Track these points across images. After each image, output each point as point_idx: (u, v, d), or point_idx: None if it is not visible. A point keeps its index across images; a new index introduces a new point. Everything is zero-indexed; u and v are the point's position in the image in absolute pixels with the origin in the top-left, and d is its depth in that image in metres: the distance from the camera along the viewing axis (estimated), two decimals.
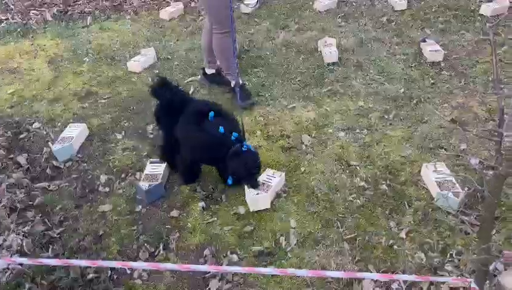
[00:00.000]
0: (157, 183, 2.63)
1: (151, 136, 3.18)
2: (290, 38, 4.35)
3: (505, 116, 1.29)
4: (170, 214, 2.54)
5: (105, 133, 3.25)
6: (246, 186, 2.54)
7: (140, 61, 4.02)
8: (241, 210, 2.51)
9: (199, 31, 4.66)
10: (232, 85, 3.46)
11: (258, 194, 2.49)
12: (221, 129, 2.44)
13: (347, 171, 2.72)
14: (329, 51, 3.89)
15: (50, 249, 2.36)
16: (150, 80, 3.87)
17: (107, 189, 2.75)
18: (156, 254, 2.32)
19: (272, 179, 2.61)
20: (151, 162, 2.82)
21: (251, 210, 2.50)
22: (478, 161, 2.63)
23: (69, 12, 5.33)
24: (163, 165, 2.78)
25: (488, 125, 2.92)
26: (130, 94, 3.69)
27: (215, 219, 2.49)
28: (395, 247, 2.22)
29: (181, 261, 2.26)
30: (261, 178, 2.60)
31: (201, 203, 2.58)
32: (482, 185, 1.41)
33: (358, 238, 2.29)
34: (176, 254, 2.31)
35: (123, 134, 3.22)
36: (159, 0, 5.49)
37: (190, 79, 3.83)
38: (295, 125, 3.16)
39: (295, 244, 2.29)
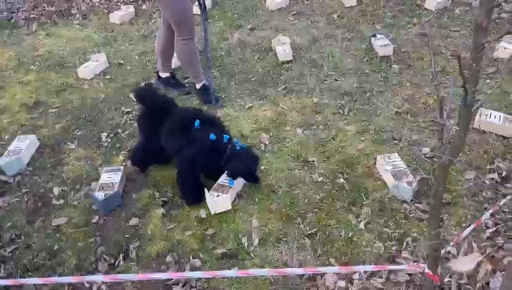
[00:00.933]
0: (114, 192, 2.56)
1: (106, 144, 3.09)
2: (244, 38, 4.35)
3: (444, 106, 1.34)
4: (129, 223, 2.48)
5: (56, 143, 3.13)
6: (206, 190, 2.52)
7: (91, 67, 3.90)
8: (202, 214, 2.49)
9: (152, 34, 4.58)
10: (198, 87, 3.46)
11: (218, 196, 2.47)
12: (212, 136, 2.40)
13: (306, 168, 2.75)
14: (283, 49, 3.92)
15: (2, 269, 2.24)
16: (102, 85, 3.76)
17: (61, 201, 2.64)
18: (116, 264, 2.26)
19: (232, 180, 2.59)
20: (106, 171, 2.74)
21: (212, 213, 2.48)
22: (429, 150, 2.73)
23: (13, 20, 5.08)
24: (120, 173, 2.70)
25: (435, 115, 3.04)
26: (82, 102, 3.57)
27: (176, 224, 2.45)
28: (355, 239, 2.26)
29: (143, 270, 2.21)
30: (221, 179, 2.59)
31: (161, 210, 2.53)
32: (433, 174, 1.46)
33: (319, 233, 2.32)
34: (137, 263, 2.26)
35: (76, 143, 3.11)
36: (109, 3, 5.34)
37: (144, 84, 3.74)
38: (253, 125, 3.17)
39: (258, 244, 2.29)
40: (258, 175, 2.54)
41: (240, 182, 2.60)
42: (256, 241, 2.30)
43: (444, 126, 1.35)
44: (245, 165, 2.43)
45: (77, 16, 5.10)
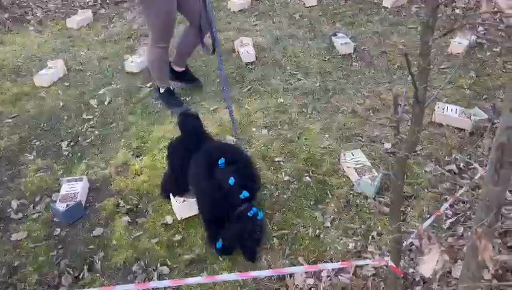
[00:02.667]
0: (76, 202, 2.48)
1: (66, 153, 2.99)
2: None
3: (399, 102, 1.37)
4: (93, 233, 2.41)
5: (14, 155, 3.00)
6: (171, 195, 2.49)
7: (48, 75, 3.77)
8: (169, 220, 2.45)
9: (111, 38, 4.48)
10: (162, 91, 3.39)
11: (184, 201, 2.44)
12: (231, 181, 2.10)
13: (272, 168, 2.76)
14: (246, 50, 3.92)
15: None
16: (61, 93, 3.65)
17: (20, 215, 2.54)
18: (80, 277, 2.19)
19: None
20: (67, 181, 2.65)
21: (179, 218, 2.44)
22: (390, 146, 2.80)
23: None
24: (82, 183, 2.63)
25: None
26: (40, 111, 3.44)
27: (142, 232, 2.40)
28: (322, 236, 2.29)
29: (108, 282, 2.15)
30: None
31: (126, 218, 2.48)
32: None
33: (286, 233, 2.33)
34: (102, 274, 2.20)
35: (34, 154, 3.00)
36: (66, 8, 5.18)
37: (105, 89, 3.66)
38: (218, 127, 3.15)
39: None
40: (255, 252, 2.20)
41: None
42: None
43: (399, 122, 1.39)
44: (242, 234, 2.10)
45: (32, 21, 4.92)
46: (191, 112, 2.48)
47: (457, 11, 4.42)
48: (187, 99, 3.48)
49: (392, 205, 1.60)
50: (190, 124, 2.44)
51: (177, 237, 2.35)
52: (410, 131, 1.37)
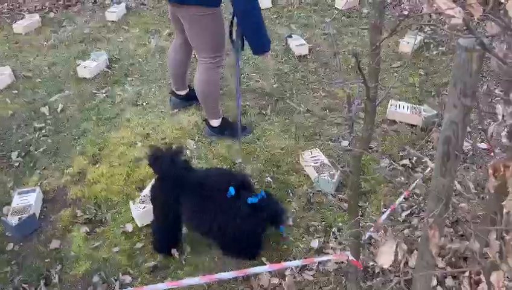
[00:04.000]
0: (29, 215, 2.37)
1: (17, 164, 2.86)
2: (162, 44, 4.26)
3: (352, 101, 1.41)
4: (49, 246, 2.32)
5: None
6: (131, 203, 2.44)
7: None
8: (129, 227, 2.40)
9: (61, 43, 4.32)
10: (216, 124, 3.02)
11: (144, 208, 2.40)
12: (253, 199, 2.04)
13: (234, 170, 2.76)
14: None
15: None
16: (9, 101, 3.48)
17: None
18: None
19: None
20: (19, 193, 2.53)
21: (139, 226, 2.40)
22: (347, 143, 2.88)
23: None
24: (35, 194, 2.52)
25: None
26: None
27: (101, 241, 2.33)
28: (284, 235, 2.32)
29: None
30: (146, 190, 2.51)
31: (84, 228, 2.40)
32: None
33: None
34: (60, 288, 2.12)
35: None
36: (12, 13, 4.95)
37: (57, 96, 3.53)
38: (178, 131, 3.12)
39: (189, 252, 2.26)
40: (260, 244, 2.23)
41: None
42: (188, 249, 2.27)
43: (353, 121, 1.43)
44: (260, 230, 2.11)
45: None
46: (160, 151, 2.12)
47: (405, 12, 4.61)
48: (144, 104, 3.42)
49: (349, 200, 1.65)
50: (162, 166, 2.07)
51: (139, 245, 2.30)
52: (364, 128, 1.42)
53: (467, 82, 1.08)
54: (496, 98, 3.15)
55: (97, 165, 2.83)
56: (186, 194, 2.06)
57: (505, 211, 1.04)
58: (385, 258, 1.37)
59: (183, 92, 3.30)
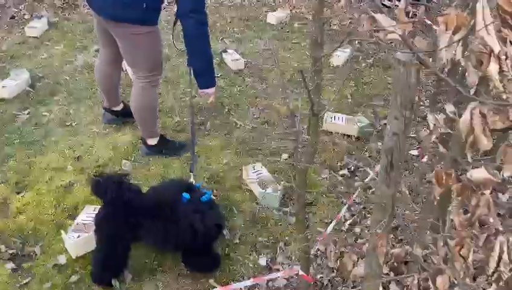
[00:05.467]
0: None
1: None
2: (91, 60, 4.04)
3: (295, 115, 1.41)
4: None
5: None
6: (63, 232, 2.24)
7: None
8: (62, 260, 2.20)
9: None
10: (153, 143, 2.89)
11: (79, 236, 2.22)
12: (186, 196, 2.07)
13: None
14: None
15: None
16: None
17: None
18: None
19: (94, 216, 2.36)
20: None
21: (74, 257, 2.21)
22: (288, 157, 2.90)
23: None
24: None
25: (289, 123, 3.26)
26: None
27: (30, 278, 2.12)
28: (231, 254, 2.26)
29: None
30: (80, 218, 2.33)
31: (9, 265, 2.17)
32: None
33: None
34: None
35: None
36: None
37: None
38: (112, 152, 2.95)
39: (131, 280, 2.12)
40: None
41: None
42: (129, 278, 2.13)
43: (298, 134, 1.43)
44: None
45: None
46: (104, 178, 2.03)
47: (334, 27, 4.81)
48: (73, 124, 3.20)
49: (296, 214, 1.64)
50: (109, 192, 1.95)
51: (74, 278, 2.12)
52: (309, 142, 1.42)
53: (407, 95, 1.11)
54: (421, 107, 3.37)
55: (22, 194, 2.58)
56: (142, 214, 2.00)
57: (450, 217, 1.08)
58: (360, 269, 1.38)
59: (117, 108, 3.15)
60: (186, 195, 2.07)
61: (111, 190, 1.93)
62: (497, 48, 0.81)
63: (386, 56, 4.21)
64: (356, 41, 4.44)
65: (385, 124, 3.23)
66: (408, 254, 2.06)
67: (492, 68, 0.75)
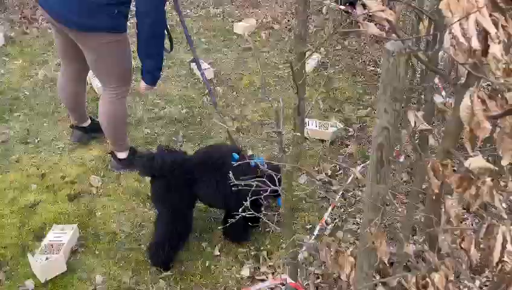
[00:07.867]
0: None
1: None
2: (52, 75, 3.86)
3: (279, 117, 1.36)
4: None
5: None
6: (29, 255, 2.08)
7: None
8: (29, 285, 2.04)
9: None
10: (123, 156, 2.78)
11: (47, 259, 2.06)
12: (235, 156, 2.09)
13: (148, 204, 2.54)
14: (96, 84, 3.61)
15: None
16: None
17: None
18: None
19: (62, 235, 2.21)
20: None
21: (43, 281, 2.05)
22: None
23: None
24: None
25: (264, 128, 3.23)
26: None
27: None
28: (213, 266, 2.17)
29: None
30: (48, 238, 2.17)
31: None
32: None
33: (174, 271, 2.14)
34: None
35: None
36: None
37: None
38: (79, 168, 2.80)
39: None
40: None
41: (72, 236, 2.23)
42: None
43: (281, 136, 1.38)
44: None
45: None
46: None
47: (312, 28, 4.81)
48: (36, 141, 3.03)
49: (283, 220, 1.59)
50: (158, 163, 2.07)
51: None
52: (294, 142, 1.37)
53: (396, 87, 1.09)
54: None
55: None
56: (198, 175, 2.11)
57: (447, 212, 1.05)
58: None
59: (85, 124, 3.00)
60: (235, 155, 2.09)
61: (169, 158, 2.07)
62: (493, 30, 0.80)
63: (353, 62, 4.27)
64: (322, 49, 4.49)
65: (358, 127, 3.29)
66: (393, 254, 2.04)
67: (496, 49, 0.73)
